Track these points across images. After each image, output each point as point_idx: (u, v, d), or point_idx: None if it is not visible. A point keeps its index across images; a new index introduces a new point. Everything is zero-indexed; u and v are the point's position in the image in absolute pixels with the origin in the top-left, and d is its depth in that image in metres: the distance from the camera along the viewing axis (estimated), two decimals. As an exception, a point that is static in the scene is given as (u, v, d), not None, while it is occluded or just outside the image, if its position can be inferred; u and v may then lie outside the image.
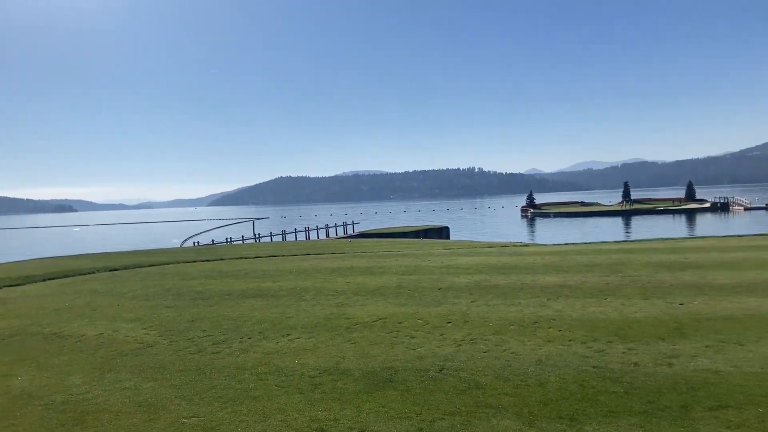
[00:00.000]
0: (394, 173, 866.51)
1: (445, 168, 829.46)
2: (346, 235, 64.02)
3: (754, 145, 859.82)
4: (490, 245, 27.32)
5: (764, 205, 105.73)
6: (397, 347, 8.51)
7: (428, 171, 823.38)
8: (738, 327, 8.75)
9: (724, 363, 7.27)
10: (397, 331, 9.36)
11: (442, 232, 60.07)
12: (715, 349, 7.79)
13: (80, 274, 19.58)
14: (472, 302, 11.29)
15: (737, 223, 76.58)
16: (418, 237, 49.92)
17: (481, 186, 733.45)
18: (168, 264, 21.68)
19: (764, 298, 10.63)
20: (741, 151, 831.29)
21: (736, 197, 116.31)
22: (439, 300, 11.68)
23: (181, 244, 65.68)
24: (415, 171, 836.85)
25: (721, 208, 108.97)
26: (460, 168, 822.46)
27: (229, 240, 63.84)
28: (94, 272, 19.97)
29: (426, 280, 14.27)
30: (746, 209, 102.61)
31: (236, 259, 22.49)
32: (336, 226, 78.72)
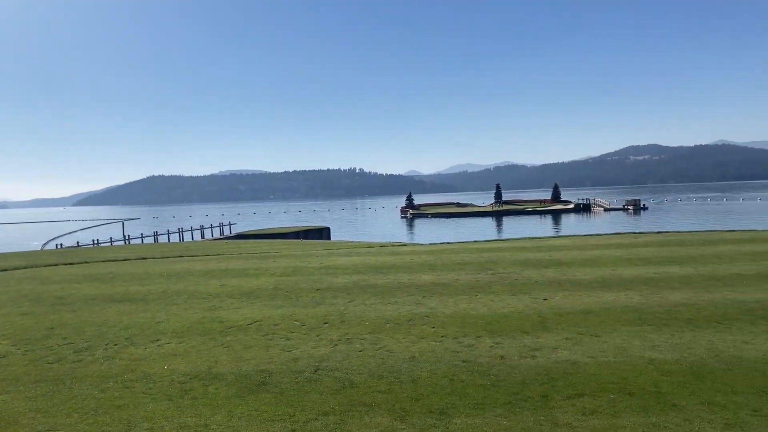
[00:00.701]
0: (274, 173, 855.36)
1: (326, 168, 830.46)
2: (222, 237, 62.44)
3: (613, 150, 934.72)
4: (370, 245, 27.68)
5: (621, 206, 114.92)
6: (272, 350, 8.42)
7: (309, 171, 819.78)
8: (595, 320, 9.45)
9: (581, 354, 7.81)
10: (273, 334, 9.26)
11: (322, 233, 60.05)
12: (573, 341, 8.36)
13: None
14: (349, 302, 11.40)
15: (598, 223, 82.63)
16: (298, 238, 49.59)
17: (362, 187, 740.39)
18: (26, 268, 20.16)
19: (619, 292, 11.56)
20: (601, 156, 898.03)
21: (597, 199, 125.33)
22: (316, 301, 11.68)
23: (42, 247, 61.19)
24: (295, 171, 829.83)
25: (584, 208, 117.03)
26: (342, 168, 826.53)
27: (95, 242, 60.30)
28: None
29: (304, 281, 14.23)
30: (606, 210, 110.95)
31: (103, 261, 21.29)
32: (212, 227, 76.46)
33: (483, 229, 77.55)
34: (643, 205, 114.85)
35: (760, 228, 33.88)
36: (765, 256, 15.66)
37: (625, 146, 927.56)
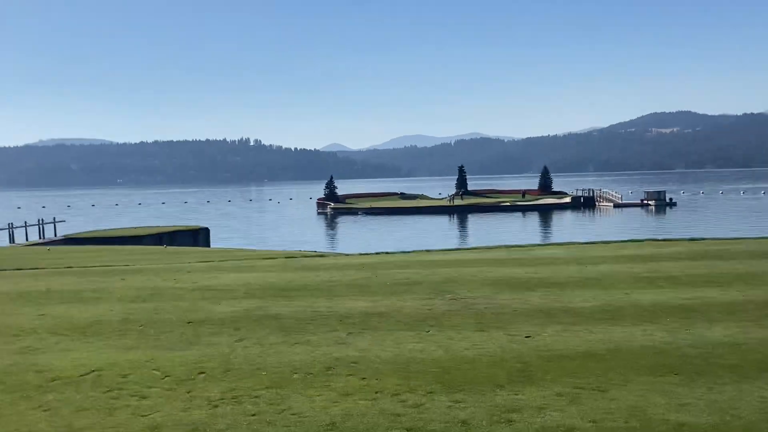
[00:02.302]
0: (125, 144, 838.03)
1: (204, 139, 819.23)
2: (43, 241, 60.97)
3: (627, 119, 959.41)
4: (270, 256, 27.53)
5: (640, 201, 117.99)
6: (119, 414, 8.26)
7: (179, 142, 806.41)
8: (599, 367, 9.66)
9: (579, 417, 7.97)
10: (120, 390, 9.09)
11: (198, 237, 59.43)
12: (568, 399, 8.52)
13: None
14: (238, 341, 11.31)
15: (605, 225, 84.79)
16: (160, 244, 48.92)
17: (259, 167, 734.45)
18: None
19: (634, 326, 11.85)
20: (611, 127, 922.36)
21: (604, 190, 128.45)
22: (188, 340, 11.55)
23: None
24: (157, 142, 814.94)
25: (585, 203, 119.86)
26: (229, 140, 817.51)
27: None
28: None
29: (169, 309, 14.14)
30: (617, 206, 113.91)
31: None
32: (26, 225, 74.44)
33: (439, 233, 78.32)
34: (670, 199, 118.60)
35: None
36: (837, 275, 16.39)
37: (644, 114, 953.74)
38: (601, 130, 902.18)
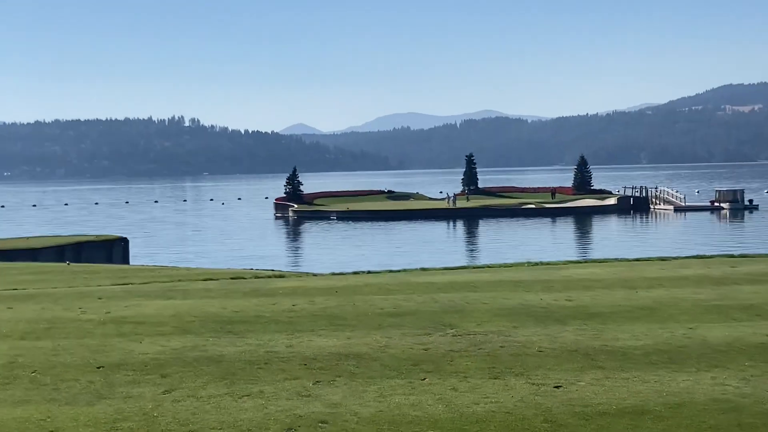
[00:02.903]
0: (12, 124, 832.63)
1: (122, 118, 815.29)
2: None
3: (690, 95, 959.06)
4: (211, 276, 27.46)
5: (709, 203, 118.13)
6: (2, 492, 8.22)
7: (87, 122, 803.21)
8: (654, 429, 9.67)
9: (626, 494, 7.98)
10: (5, 459, 9.05)
11: (112, 250, 59.13)
12: (612, 470, 8.54)
13: None
14: (165, 393, 11.26)
15: (662, 235, 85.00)
16: (62, 260, 48.70)
17: (197, 155, 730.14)
18: None
19: (701, 372, 11.86)
20: (669, 104, 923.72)
21: (661, 187, 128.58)
22: (97, 391, 11.48)
23: None
24: (58, 122, 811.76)
25: (636, 206, 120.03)
26: (156, 119, 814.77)
27: None
28: None
29: (73, 349, 14.06)
30: (678, 209, 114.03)
31: None
32: None
33: (439, 246, 78.18)
34: (750, 201, 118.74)
35: None
36: None
37: (715, 86, 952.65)
38: (657, 108, 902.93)
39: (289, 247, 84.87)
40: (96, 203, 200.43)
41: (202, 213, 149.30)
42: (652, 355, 12.86)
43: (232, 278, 25.79)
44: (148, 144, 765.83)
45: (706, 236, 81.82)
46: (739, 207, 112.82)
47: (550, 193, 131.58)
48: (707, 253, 32.88)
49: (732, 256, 28.52)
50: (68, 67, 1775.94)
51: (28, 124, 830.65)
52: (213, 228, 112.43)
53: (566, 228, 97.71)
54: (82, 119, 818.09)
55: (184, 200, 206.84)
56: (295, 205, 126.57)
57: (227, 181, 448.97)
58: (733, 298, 17.60)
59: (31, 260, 48.09)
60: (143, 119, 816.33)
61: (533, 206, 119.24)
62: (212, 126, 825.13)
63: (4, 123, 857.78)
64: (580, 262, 30.79)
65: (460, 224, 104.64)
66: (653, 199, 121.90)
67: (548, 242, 79.18)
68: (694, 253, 37.09)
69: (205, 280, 25.46)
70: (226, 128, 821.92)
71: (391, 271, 27.61)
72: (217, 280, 25.27)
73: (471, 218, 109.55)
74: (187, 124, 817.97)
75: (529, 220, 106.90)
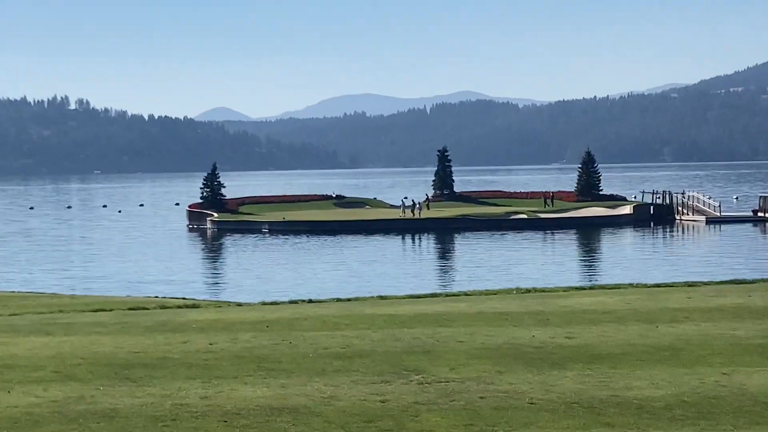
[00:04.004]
0: None
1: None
2: None
3: (730, 71, 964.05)
4: (103, 306, 27.36)
5: (751, 212, 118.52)
6: None
7: None
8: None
9: None
10: None
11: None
12: None
13: None
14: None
15: (690, 254, 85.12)
16: None
17: (86, 147, 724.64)
18: None
19: (739, 430, 11.91)
20: (701, 85, 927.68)
21: (690, 193, 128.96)
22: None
23: None
24: None
25: (657, 216, 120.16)
26: (31, 100, 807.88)
27: None
28: None
29: None
30: (711, 221, 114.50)
31: None
32: None
33: (402, 268, 77.86)
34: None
35: None
36: None
37: (759, 62, 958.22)
38: (685, 90, 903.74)
39: (207, 269, 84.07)
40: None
41: (93, 223, 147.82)
42: (676, 408, 12.93)
43: (130, 309, 25.66)
44: (21, 133, 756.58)
45: (747, 256, 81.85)
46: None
47: (545, 200, 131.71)
48: (748, 278, 32.99)
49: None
50: None
51: None
52: (106, 243, 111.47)
53: (567, 244, 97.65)
54: None
55: (69, 206, 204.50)
56: (215, 214, 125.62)
57: (126, 181, 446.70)
58: (782, 336, 17.72)
59: None
60: (15, 100, 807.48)
61: (524, 216, 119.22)
62: (106, 110, 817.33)
63: None
64: (585, 289, 30.89)
65: (429, 239, 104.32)
66: (679, 208, 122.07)
67: (543, 263, 79.04)
68: (731, 277, 37.29)
69: (95, 311, 25.30)
70: (125, 113, 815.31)
71: (339, 300, 27.63)
72: (110, 310, 25.07)
73: (444, 232, 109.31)
74: (72, 106, 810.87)
75: (520, 234, 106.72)
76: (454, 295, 29.61)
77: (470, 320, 20.33)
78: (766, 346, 16.68)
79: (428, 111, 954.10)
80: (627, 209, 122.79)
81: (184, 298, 37.14)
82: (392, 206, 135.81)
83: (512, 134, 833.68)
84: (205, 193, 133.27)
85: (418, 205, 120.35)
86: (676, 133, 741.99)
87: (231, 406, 13.30)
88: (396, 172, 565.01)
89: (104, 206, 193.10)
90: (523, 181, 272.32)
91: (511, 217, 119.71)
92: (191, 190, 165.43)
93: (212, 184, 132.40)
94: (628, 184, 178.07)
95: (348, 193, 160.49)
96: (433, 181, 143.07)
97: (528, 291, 28.37)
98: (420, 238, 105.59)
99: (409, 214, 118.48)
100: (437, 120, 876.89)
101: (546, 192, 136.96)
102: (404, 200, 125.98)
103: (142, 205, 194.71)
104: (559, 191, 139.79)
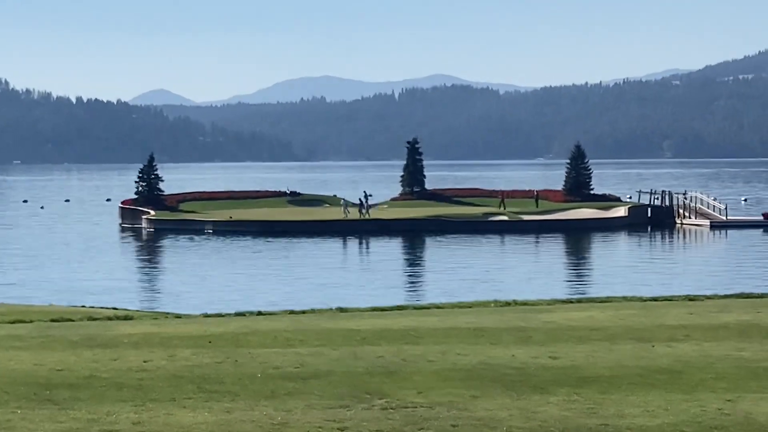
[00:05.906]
0: None
1: None
2: None
3: (740, 56, 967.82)
4: (18, 315, 27.28)
5: (762, 216, 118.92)
6: None
7: None
8: None
9: None
10: None
11: None
12: None
13: None
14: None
15: (692, 262, 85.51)
16: None
17: (2, 133, 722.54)
18: None
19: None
20: (706, 71, 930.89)
21: (693, 193, 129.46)
22: None
23: None
24: None
25: (655, 219, 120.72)
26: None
27: None
28: None
29: None
30: (716, 225, 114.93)
31: None
32: None
33: (365, 275, 77.96)
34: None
35: None
36: None
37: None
38: (688, 77, 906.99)
39: (141, 275, 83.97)
40: None
41: (11, 221, 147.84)
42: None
43: (53, 320, 25.63)
44: None
45: (756, 266, 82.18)
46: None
47: (531, 198, 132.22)
48: (756, 291, 33.13)
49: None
50: None
51: None
52: (26, 244, 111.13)
53: (552, 250, 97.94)
54: None
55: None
56: (152, 212, 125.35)
57: (49, 173, 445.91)
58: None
59: None
60: None
61: (505, 218, 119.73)
62: (28, 91, 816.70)
63: None
64: (572, 302, 31.04)
65: (396, 243, 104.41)
66: (680, 211, 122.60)
67: (525, 271, 79.28)
68: (738, 290, 37.45)
69: (12, 322, 25.24)
70: (49, 94, 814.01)
71: (292, 313, 27.67)
72: (30, 322, 25.04)
73: (414, 235, 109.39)
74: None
75: (499, 237, 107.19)
76: (423, 307, 29.67)
77: (441, 337, 20.39)
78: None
79: (396, 97, 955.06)
80: (621, 211, 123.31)
81: (115, 309, 37.13)
82: (354, 204, 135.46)
83: (492, 124, 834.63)
84: (140, 188, 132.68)
85: (365, 204, 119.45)
86: (677, 126, 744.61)
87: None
88: (359, 165, 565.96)
89: (25, 201, 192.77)
90: (503, 177, 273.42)
91: (490, 219, 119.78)
92: (125, 185, 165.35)
93: (149, 177, 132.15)
94: (623, 182, 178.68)
95: (304, 190, 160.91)
96: (402, 176, 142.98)
97: (508, 304, 28.46)
98: (386, 242, 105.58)
99: (354, 214, 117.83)
100: (407, 107, 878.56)
101: (502, 191, 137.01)
102: (345, 200, 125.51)
103: (68, 200, 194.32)
104: (545, 190, 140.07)
